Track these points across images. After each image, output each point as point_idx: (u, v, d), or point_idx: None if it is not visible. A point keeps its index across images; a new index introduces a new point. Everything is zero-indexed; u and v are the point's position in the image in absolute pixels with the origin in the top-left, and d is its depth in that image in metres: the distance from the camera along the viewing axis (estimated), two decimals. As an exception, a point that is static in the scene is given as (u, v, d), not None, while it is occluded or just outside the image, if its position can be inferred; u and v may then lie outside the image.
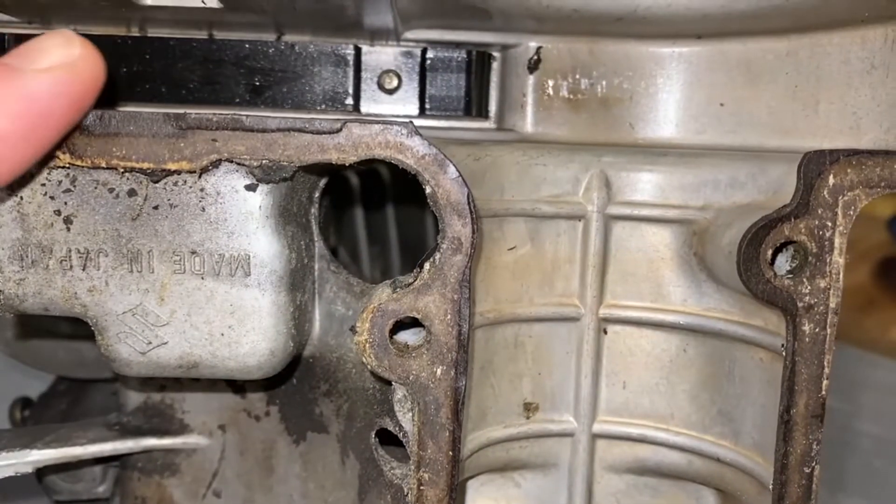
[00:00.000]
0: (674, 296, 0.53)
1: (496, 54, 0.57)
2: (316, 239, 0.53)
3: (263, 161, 0.42)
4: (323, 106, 0.57)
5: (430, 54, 0.57)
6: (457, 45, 0.57)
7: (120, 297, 0.44)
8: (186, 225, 0.44)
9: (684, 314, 0.53)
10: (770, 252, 0.45)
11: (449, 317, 0.43)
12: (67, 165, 0.42)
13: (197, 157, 0.42)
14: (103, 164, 0.41)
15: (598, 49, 0.54)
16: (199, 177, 0.43)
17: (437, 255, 0.42)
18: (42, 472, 0.65)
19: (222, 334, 0.45)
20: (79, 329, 0.46)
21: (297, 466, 0.57)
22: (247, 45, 0.56)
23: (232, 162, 0.42)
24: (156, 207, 0.44)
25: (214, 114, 0.42)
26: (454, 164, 0.42)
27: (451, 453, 0.44)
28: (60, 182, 0.43)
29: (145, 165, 0.42)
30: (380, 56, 0.57)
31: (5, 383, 0.90)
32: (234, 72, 0.56)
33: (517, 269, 0.53)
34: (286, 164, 0.42)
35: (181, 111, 0.42)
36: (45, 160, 0.41)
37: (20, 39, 0.55)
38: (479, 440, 0.53)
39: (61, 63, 0.36)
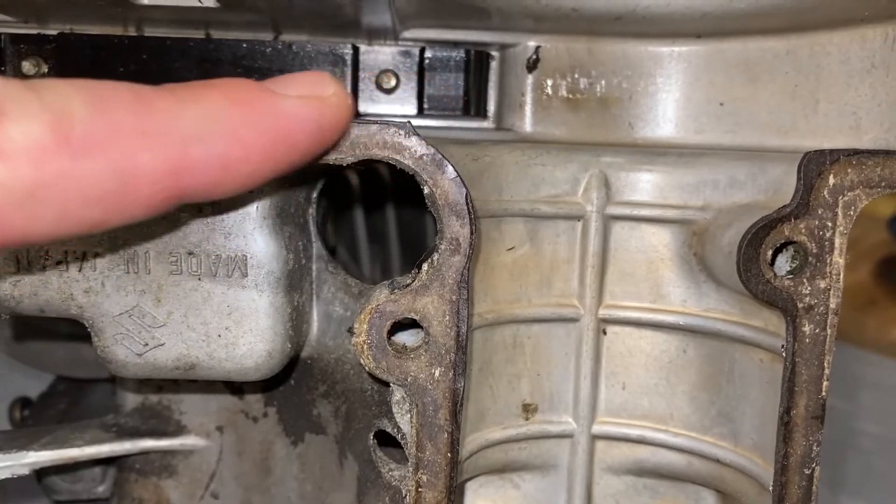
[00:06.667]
0: (673, 296, 0.53)
1: (495, 54, 0.57)
2: (314, 239, 0.53)
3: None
4: (321, 106, 0.56)
5: (428, 54, 0.57)
6: (455, 44, 0.56)
7: (116, 298, 0.44)
8: (183, 225, 0.44)
9: (684, 315, 0.53)
10: (770, 252, 0.44)
11: (447, 318, 0.43)
12: None
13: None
14: None
15: (596, 48, 0.54)
16: (196, 177, 0.43)
17: (436, 256, 0.42)
18: (42, 473, 0.65)
19: (219, 336, 0.45)
20: (78, 329, 0.46)
21: (295, 468, 0.57)
22: (244, 45, 0.55)
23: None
24: (152, 208, 0.43)
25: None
26: (452, 165, 0.42)
27: (449, 455, 0.44)
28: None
29: None
30: (378, 55, 0.57)
31: (5, 383, 0.90)
32: (231, 71, 0.55)
33: (516, 270, 0.52)
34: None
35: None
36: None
37: (16, 39, 0.54)
38: (477, 441, 0.53)
39: (313, 94, 0.36)
